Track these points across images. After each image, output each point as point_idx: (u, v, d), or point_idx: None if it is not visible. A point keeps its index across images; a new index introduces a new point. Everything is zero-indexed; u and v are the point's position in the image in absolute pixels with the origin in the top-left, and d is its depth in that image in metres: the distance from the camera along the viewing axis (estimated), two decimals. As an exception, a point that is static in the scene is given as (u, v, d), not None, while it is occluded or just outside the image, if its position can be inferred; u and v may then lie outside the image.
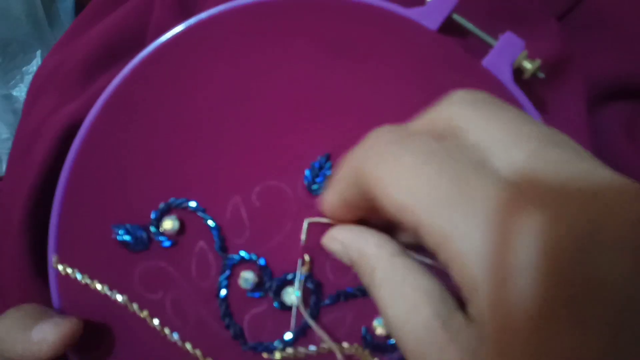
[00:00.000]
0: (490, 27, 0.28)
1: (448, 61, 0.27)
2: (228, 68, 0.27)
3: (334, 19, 0.28)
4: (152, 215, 0.26)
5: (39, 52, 0.59)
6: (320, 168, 0.26)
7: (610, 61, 0.32)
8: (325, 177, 0.26)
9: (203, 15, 0.28)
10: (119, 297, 0.26)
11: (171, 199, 0.26)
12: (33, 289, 0.30)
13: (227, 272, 0.26)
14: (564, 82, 0.30)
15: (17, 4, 0.57)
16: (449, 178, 0.15)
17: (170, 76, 0.27)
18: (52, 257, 0.26)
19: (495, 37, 0.28)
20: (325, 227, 0.23)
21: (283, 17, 0.28)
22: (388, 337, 0.26)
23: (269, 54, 0.27)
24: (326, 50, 0.27)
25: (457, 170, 0.15)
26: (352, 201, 0.20)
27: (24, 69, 0.59)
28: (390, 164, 0.16)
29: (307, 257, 0.25)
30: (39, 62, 0.59)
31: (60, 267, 0.26)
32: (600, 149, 0.32)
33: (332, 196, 0.21)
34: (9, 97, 0.56)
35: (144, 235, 0.26)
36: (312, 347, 0.25)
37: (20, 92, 0.57)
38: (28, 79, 0.59)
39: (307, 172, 0.26)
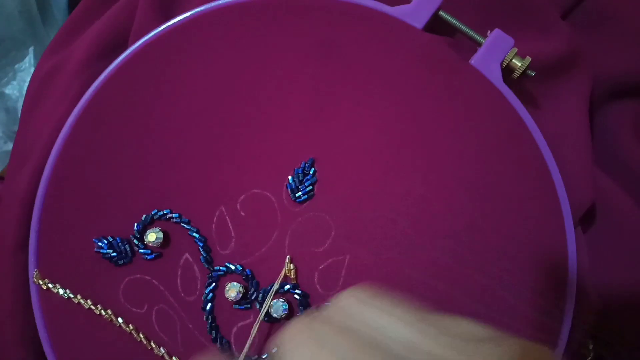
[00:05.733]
0: (493, 23, 0.27)
1: (434, 61, 0.26)
2: (208, 74, 0.26)
3: (316, 19, 0.27)
4: (135, 227, 0.26)
5: (31, 49, 0.58)
6: (305, 174, 0.25)
7: (617, 58, 0.32)
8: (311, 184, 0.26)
9: (175, 21, 0.27)
10: (103, 312, 0.25)
11: (153, 211, 0.26)
12: (27, 301, 0.30)
13: (213, 285, 0.25)
14: (569, 79, 0.30)
15: (11, 1, 0.56)
16: None
17: (148, 83, 0.27)
18: (33, 272, 0.26)
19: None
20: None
21: (263, 20, 0.27)
22: None
23: (250, 58, 0.26)
24: (308, 53, 0.26)
25: None
26: None
27: (16, 66, 0.58)
28: None
29: (290, 267, 0.25)
30: (32, 60, 0.58)
31: (41, 282, 0.26)
32: (607, 146, 0.31)
33: None
34: (1, 95, 0.56)
35: (127, 248, 0.26)
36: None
37: (12, 89, 0.57)
38: (20, 76, 0.58)
39: (290, 179, 0.26)
